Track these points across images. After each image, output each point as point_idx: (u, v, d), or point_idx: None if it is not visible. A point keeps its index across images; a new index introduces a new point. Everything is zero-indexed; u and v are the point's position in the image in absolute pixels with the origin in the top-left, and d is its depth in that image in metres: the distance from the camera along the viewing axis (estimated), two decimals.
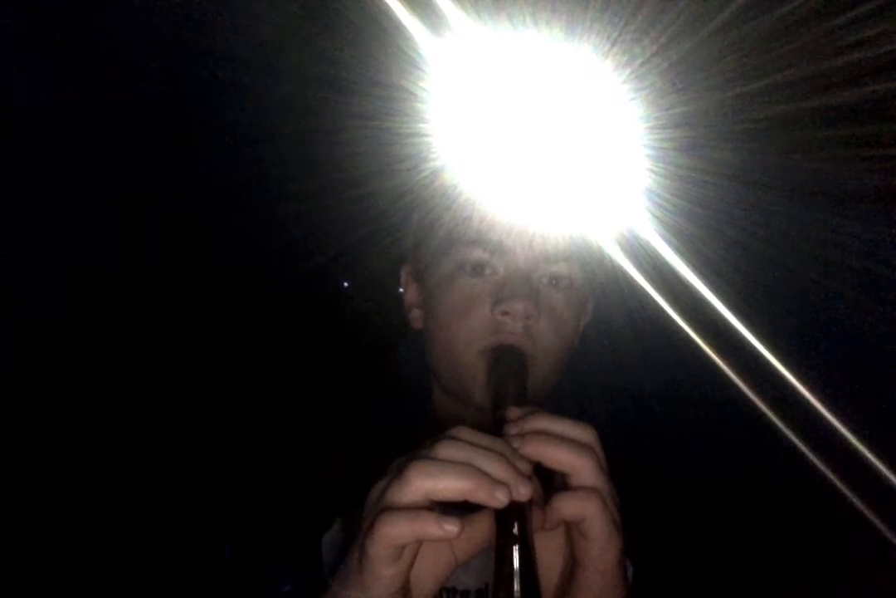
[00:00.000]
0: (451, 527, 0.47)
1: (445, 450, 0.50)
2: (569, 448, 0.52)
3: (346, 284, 1.21)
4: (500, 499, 0.47)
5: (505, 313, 0.69)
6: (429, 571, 0.53)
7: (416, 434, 0.65)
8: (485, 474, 0.48)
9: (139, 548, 0.98)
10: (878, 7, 0.74)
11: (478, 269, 0.72)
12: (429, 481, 0.48)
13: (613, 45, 0.64)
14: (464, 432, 0.52)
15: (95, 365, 1.14)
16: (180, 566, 0.78)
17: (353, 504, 0.52)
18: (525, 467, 0.51)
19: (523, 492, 0.48)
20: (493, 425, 0.56)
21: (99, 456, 1.07)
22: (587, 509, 0.51)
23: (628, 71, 0.64)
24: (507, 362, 0.68)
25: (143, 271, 1.21)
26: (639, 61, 0.65)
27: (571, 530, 0.53)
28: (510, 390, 0.64)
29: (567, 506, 0.51)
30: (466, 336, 0.71)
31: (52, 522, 1.02)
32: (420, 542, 0.50)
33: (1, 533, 0.97)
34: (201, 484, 0.92)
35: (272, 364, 1.14)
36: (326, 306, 1.20)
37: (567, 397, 0.77)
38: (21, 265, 1.04)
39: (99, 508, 1.02)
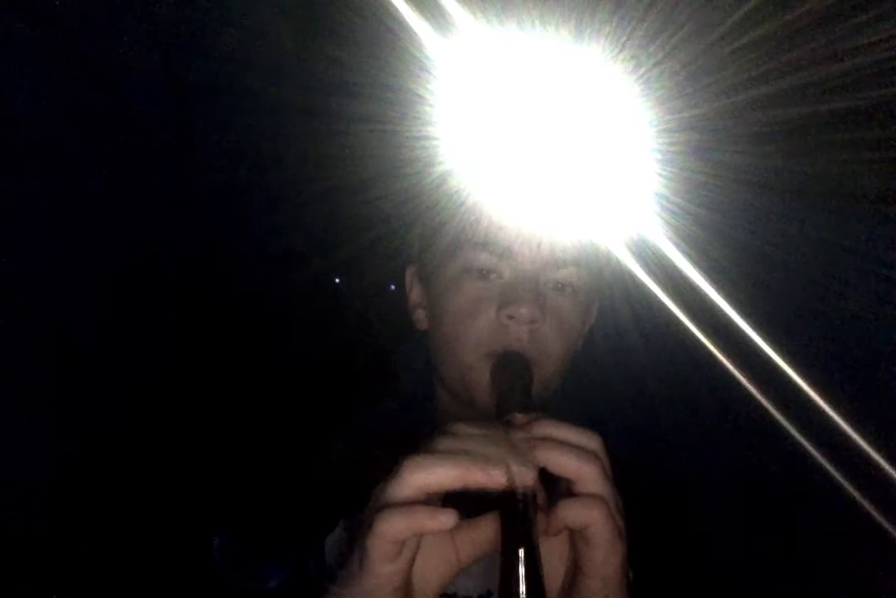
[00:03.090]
0: (445, 518, 0.47)
1: (440, 443, 0.50)
2: (574, 455, 0.52)
3: (337, 280, 1.21)
4: (496, 477, 0.47)
5: (510, 317, 0.70)
6: (433, 573, 0.53)
7: (420, 436, 0.65)
8: (478, 456, 0.48)
9: (137, 546, 0.98)
10: (884, 12, 0.74)
11: (484, 272, 0.72)
12: (421, 474, 0.48)
13: (622, 49, 0.64)
14: (458, 426, 0.52)
15: (93, 359, 1.14)
16: (172, 562, 0.78)
17: (357, 506, 0.52)
18: (527, 463, 0.50)
19: (527, 477, 0.48)
20: None
21: (99, 453, 1.07)
22: (591, 516, 0.51)
23: (637, 75, 0.64)
24: (511, 370, 0.68)
25: (142, 272, 1.21)
26: (647, 65, 0.65)
27: (575, 536, 0.53)
28: (514, 398, 0.64)
29: (571, 513, 0.51)
30: (471, 339, 0.72)
31: (50, 518, 1.02)
32: (419, 538, 0.50)
33: None
34: (204, 484, 0.92)
35: (275, 366, 1.14)
36: (329, 307, 1.20)
37: (572, 400, 0.77)
38: (16, 266, 1.04)
39: (96, 504, 1.02)
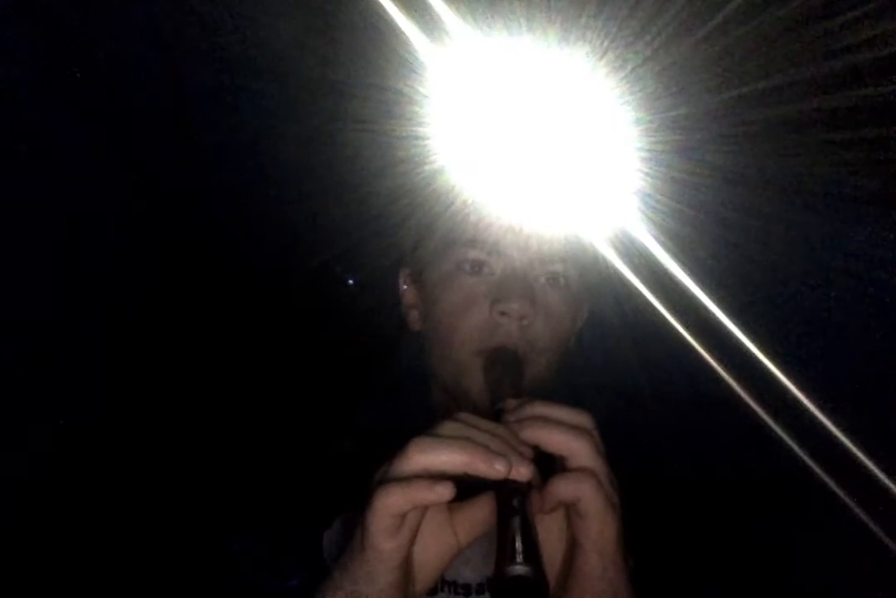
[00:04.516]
0: (442, 489, 0.48)
1: (447, 428, 0.51)
2: (566, 431, 0.54)
3: (350, 281, 1.22)
4: (498, 469, 0.48)
5: (502, 314, 0.70)
6: (432, 555, 0.54)
7: (415, 434, 0.66)
8: (484, 447, 0.49)
9: (145, 545, 0.98)
10: (873, 10, 0.74)
11: (476, 268, 0.73)
12: (428, 455, 0.49)
13: (607, 48, 0.64)
14: (466, 416, 0.54)
15: (97, 355, 1.14)
16: (187, 562, 0.79)
17: (354, 503, 0.53)
18: (525, 451, 0.52)
19: (523, 471, 0.49)
20: (492, 418, 0.57)
21: (101, 452, 1.08)
22: (582, 488, 0.52)
23: (622, 74, 0.65)
24: (503, 366, 0.69)
25: (144, 270, 1.22)
26: (632, 65, 0.66)
27: (570, 512, 0.54)
28: (506, 389, 0.65)
29: (563, 487, 0.52)
30: (464, 336, 0.72)
31: (55, 518, 1.02)
32: (420, 515, 0.51)
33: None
34: (204, 481, 0.93)
35: (274, 363, 1.15)
36: (326, 306, 1.21)
37: (562, 397, 0.77)
38: (18, 266, 1.04)
39: (102, 504, 1.03)
